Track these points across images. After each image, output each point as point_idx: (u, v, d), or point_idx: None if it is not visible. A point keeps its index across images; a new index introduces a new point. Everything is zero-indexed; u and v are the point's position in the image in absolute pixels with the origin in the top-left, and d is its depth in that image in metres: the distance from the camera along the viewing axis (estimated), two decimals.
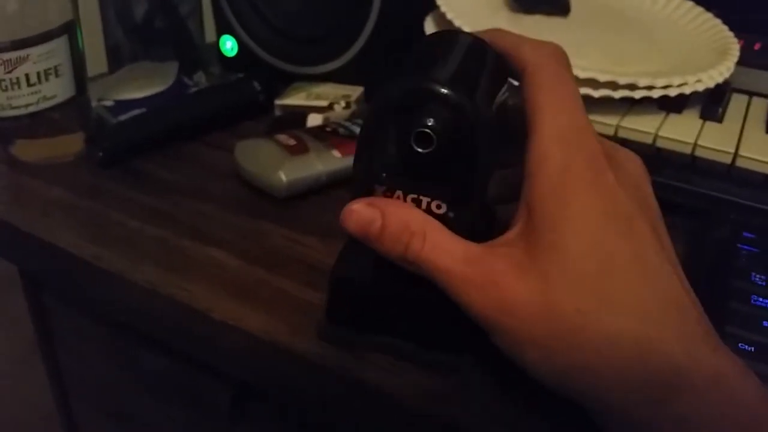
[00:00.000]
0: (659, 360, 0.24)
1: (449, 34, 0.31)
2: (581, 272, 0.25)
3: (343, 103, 0.55)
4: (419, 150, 0.26)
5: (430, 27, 0.54)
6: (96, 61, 0.62)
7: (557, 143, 0.27)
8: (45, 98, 0.48)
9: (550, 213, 0.26)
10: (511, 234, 0.28)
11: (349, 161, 0.30)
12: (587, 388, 0.25)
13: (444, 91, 0.26)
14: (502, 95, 0.31)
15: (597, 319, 0.25)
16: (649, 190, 0.30)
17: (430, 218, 0.28)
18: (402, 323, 0.32)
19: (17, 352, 1.43)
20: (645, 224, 0.27)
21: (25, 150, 0.50)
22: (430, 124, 0.26)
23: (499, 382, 0.31)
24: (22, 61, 0.46)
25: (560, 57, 0.29)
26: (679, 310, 0.25)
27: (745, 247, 0.37)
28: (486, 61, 0.30)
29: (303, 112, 0.55)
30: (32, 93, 0.47)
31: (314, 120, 0.53)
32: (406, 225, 0.28)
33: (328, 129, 0.50)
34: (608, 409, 0.25)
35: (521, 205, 0.28)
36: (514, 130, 0.29)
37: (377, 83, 0.28)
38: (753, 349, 0.30)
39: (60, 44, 0.47)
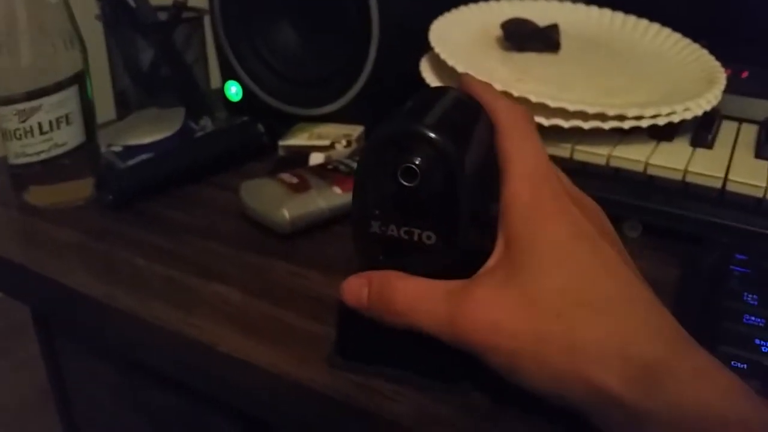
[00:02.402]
0: (646, 354, 0.25)
1: (441, 88, 0.35)
2: (557, 283, 0.28)
3: (344, 142, 0.57)
4: (406, 183, 0.29)
5: (425, 67, 0.56)
6: (104, 107, 0.64)
7: (525, 182, 0.30)
8: (56, 145, 0.50)
9: (523, 239, 0.29)
10: (489, 263, 0.30)
11: (349, 197, 0.32)
12: (583, 389, 0.26)
13: (429, 134, 0.29)
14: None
15: (581, 322, 0.27)
16: (608, 223, 0.33)
17: (409, 276, 0.31)
18: (405, 355, 0.34)
19: (26, 397, 1.44)
20: (608, 244, 0.30)
21: (38, 195, 0.52)
22: (416, 162, 0.28)
23: (499, 405, 0.32)
24: (35, 110, 0.48)
25: (528, 117, 0.33)
26: (657, 313, 0.27)
27: (737, 268, 0.38)
28: (474, 113, 0.33)
29: (306, 151, 0.57)
30: (44, 141, 0.49)
31: (316, 159, 0.55)
32: (383, 283, 0.31)
33: (329, 167, 0.51)
34: (606, 408, 0.26)
35: (498, 238, 0.30)
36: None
37: (377, 122, 0.30)
38: (745, 366, 0.31)
39: (71, 94, 0.50)
